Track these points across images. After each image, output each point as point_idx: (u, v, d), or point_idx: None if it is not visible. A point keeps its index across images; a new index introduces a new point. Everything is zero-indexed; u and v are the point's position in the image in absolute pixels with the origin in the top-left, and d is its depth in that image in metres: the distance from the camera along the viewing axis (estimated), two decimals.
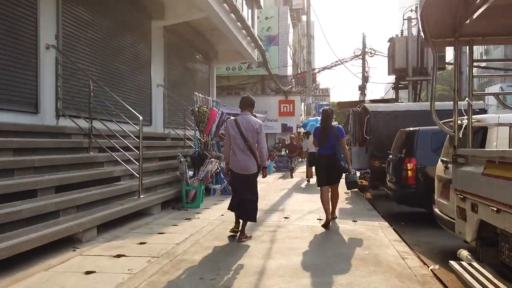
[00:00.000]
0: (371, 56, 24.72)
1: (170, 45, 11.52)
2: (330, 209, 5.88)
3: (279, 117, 24.58)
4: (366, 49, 24.80)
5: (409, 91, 14.03)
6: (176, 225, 5.72)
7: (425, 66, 13.87)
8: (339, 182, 6.02)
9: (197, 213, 6.79)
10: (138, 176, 6.26)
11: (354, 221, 6.21)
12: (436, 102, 4.30)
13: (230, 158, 5.03)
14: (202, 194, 7.61)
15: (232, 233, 4.97)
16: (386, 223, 6.09)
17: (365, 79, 24.74)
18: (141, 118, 6.31)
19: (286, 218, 6.43)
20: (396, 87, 15.73)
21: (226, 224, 5.84)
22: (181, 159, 7.27)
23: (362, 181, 11.38)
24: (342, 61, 22.94)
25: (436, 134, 6.82)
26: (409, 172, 6.72)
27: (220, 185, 9.26)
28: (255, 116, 5.44)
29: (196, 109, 8.07)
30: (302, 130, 28.96)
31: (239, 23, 12.60)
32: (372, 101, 10.58)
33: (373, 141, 9.55)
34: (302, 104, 28.96)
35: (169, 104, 11.35)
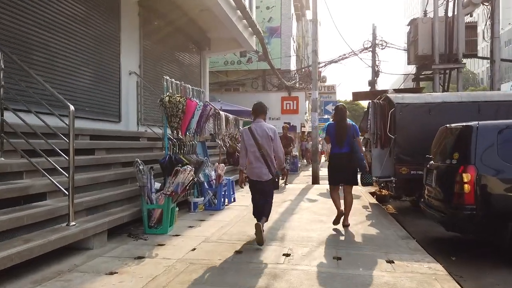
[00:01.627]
0: (382, 49, 22.61)
1: (148, 26, 9.48)
2: (342, 206, 5.85)
3: (282, 115, 22.53)
4: (377, 41, 22.68)
5: (435, 82, 11.85)
6: (113, 274, 3.65)
7: (454, 52, 11.69)
8: (354, 183, 5.82)
9: (159, 244, 4.72)
10: (68, 193, 4.21)
11: (390, 262, 4.12)
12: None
13: (245, 166, 5.09)
14: (173, 215, 5.55)
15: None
16: (440, 267, 3.99)
17: (375, 73, 22.58)
18: (71, 108, 4.25)
19: (286, 255, 4.34)
20: (416, 78, 13.56)
21: (191, 271, 3.76)
22: (140, 167, 5.20)
23: (382, 191, 9.31)
24: (354, 52, 20.85)
25: (506, 130, 4.75)
26: (465, 186, 4.62)
27: (203, 198, 7.20)
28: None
29: (166, 98, 6.00)
30: (306, 129, 27.05)
31: (232, 1, 10.55)
32: (397, 91, 8.48)
33: (400, 141, 7.48)
34: (307, 102, 26.90)
35: (146, 96, 9.30)
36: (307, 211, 7.21)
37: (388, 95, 7.86)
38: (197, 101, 6.61)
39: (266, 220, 5.04)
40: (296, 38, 29.79)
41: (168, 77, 6.28)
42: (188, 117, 6.36)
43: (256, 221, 4.76)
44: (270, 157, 4.88)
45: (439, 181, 5.19)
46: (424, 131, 7.31)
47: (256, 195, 5.02)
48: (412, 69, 15.65)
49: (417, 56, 12.44)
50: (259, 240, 4.61)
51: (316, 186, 12.00)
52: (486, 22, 12.78)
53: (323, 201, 8.45)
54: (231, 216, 6.64)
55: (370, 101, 7.80)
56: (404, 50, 23.51)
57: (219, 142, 8.86)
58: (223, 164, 7.23)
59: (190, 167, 5.60)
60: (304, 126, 25.08)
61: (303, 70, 26.05)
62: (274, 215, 6.78)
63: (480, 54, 17.64)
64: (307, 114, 26.92)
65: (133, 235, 5.14)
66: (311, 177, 13.27)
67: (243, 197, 9.08)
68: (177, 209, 6.01)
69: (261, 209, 4.93)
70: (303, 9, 32.95)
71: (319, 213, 7.01)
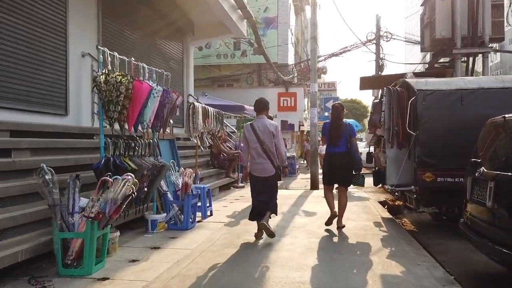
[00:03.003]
0: (387, 41, 20.94)
1: (109, 1, 7.74)
2: (336, 207, 5.63)
3: (278, 113, 20.79)
4: (381, 33, 20.98)
5: (457, 70, 10.07)
6: None
7: (479, 34, 9.93)
8: (349, 183, 5.66)
9: None
10: None
11: None
12: None
13: (248, 162, 5.07)
14: (104, 246, 3.81)
15: (257, 238, 4.91)
16: None
17: (380, 67, 20.84)
18: None
19: None
20: (431, 68, 11.80)
21: None
22: (46, 176, 3.46)
23: (396, 201, 7.59)
24: (361, 41, 19.21)
25: None
26: None
27: (165, 214, 5.46)
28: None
29: (101, 77, 4.27)
30: (305, 128, 25.33)
31: None
32: (417, 75, 6.73)
33: (423, 139, 5.78)
34: (306, 99, 25.16)
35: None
36: (302, 232, 5.45)
37: (406, 79, 6.14)
38: (151, 84, 4.87)
39: (273, 213, 5.07)
40: (295, 32, 28.08)
41: (106, 49, 4.52)
42: (138, 105, 4.63)
43: (252, 224, 4.97)
44: (272, 153, 4.87)
45: (501, 200, 3.43)
46: (455, 126, 5.70)
47: (257, 193, 4.96)
48: (424, 56, 13.87)
49: (434, 40, 10.65)
50: (270, 234, 4.79)
51: (315, 192, 10.30)
52: (510, 4, 11.05)
53: (323, 213, 6.70)
54: (199, 240, 4.91)
55: (385, 87, 6.06)
56: (410, 42, 21.84)
57: (195, 141, 7.11)
58: (190, 170, 5.48)
59: (129, 176, 3.86)
60: (303, 125, 23.34)
61: (302, 64, 24.31)
62: (252, 239, 5.05)
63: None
64: (306, 112, 25.15)
65: (36, 279, 3.40)
66: (309, 180, 11.57)
67: (225, 208, 7.35)
68: (117, 234, 4.28)
69: (265, 205, 4.90)
70: (302, 3, 31.22)
71: (318, 235, 5.27)
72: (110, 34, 7.77)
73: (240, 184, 10.99)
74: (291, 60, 23.65)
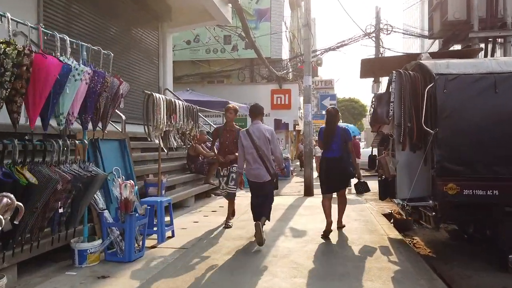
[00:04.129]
0: (387, 34, 19.58)
1: None
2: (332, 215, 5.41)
3: (272, 111, 19.38)
4: (381, 25, 19.62)
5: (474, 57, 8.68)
6: None
7: (500, 16, 8.54)
8: (347, 186, 5.66)
9: None
10: None
11: None
12: None
13: (244, 168, 5.17)
14: None
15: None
16: None
17: None
18: None
19: None
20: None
21: None
22: None
23: (404, 215, 6.18)
24: (362, 30, 17.79)
25: None
26: None
27: (101, 241, 4.04)
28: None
29: None
30: (301, 128, 23.94)
31: None
32: (435, 55, 5.30)
33: (444, 139, 4.40)
34: (301, 97, 23.77)
35: None
36: (283, 265, 4.02)
37: (421, 62, 4.74)
38: (68, 61, 3.46)
39: (267, 219, 4.96)
40: (291, 28, 26.68)
41: None
42: (45, 91, 3.21)
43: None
44: (268, 158, 4.90)
45: None
46: (487, 121, 4.34)
47: (256, 196, 5.02)
48: (431, 44, 12.46)
49: (445, 24, 9.23)
50: (259, 241, 4.60)
51: (308, 200, 8.89)
52: None
53: (316, 233, 5.31)
54: (139, 281, 3.50)
55: (395, 71, 4.65)
56: (412, 35, 20.48)
57: (156, 141, 5.68)
58: (131, 182, 4.06)
59: (9, 196, 2.44)
60: (298, 124, 21.93)
61: (298, 58, 22.87)
62: (222, 273, 3.65)
63: None
64: (301, 110, 23.76)
65: None
66: (303, 184, 10.18)
67: (195, 225, 5.95)
68: (2, 282, 2.86)
69: (260, 209, 4.90)
70: None
71: (305, 270, 3.85)
72: (56, 12, 6.35)
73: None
74: (285, 55, 22.24)
